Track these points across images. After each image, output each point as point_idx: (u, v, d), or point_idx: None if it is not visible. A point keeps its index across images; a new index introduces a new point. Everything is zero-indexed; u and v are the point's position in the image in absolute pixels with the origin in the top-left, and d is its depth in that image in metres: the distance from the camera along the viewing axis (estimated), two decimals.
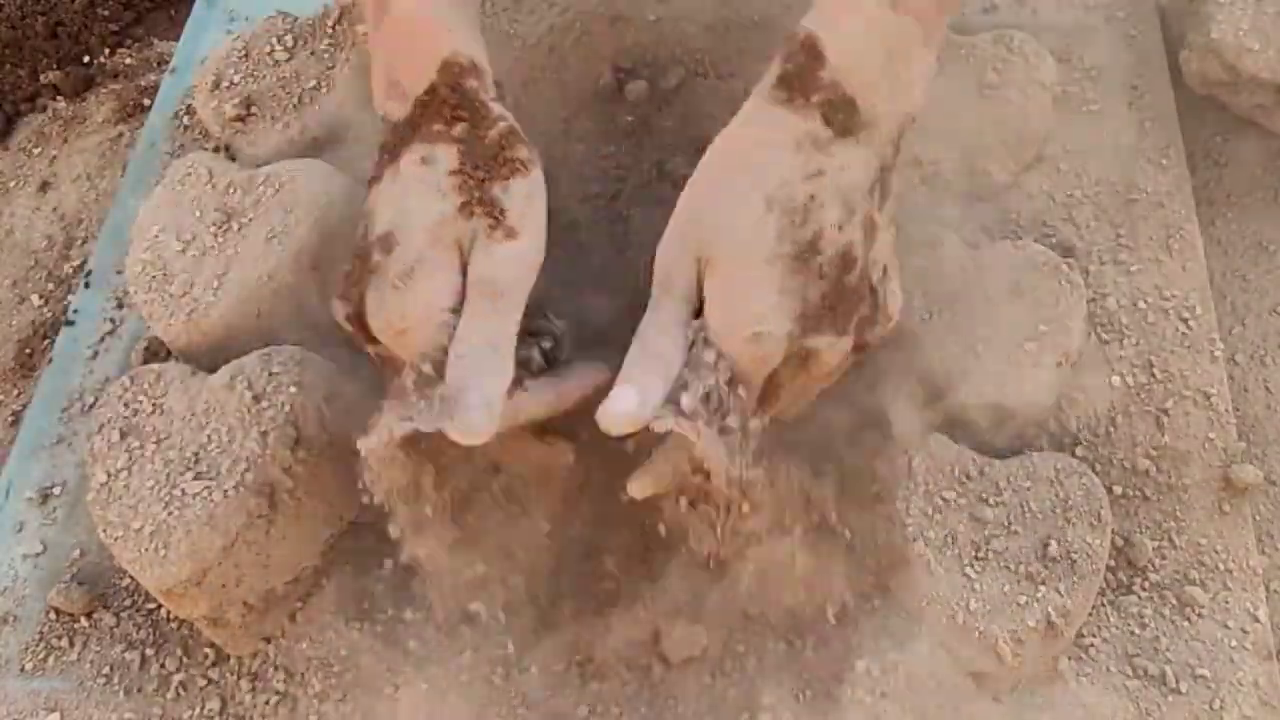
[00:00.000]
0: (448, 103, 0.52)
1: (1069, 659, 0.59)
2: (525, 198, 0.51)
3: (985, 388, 0.63)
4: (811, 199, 0.49)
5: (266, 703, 0.60)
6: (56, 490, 0.69)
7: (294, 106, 0.72)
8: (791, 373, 0.51)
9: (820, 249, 0.49)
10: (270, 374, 0.60)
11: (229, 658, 0.62)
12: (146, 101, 0.95)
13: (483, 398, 0.47)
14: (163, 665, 0.62)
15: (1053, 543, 0.58)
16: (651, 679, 0.59)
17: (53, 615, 0.65)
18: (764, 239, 0.48)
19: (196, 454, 0.59)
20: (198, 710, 0.60)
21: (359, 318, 0.52)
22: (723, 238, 0.49)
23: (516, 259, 0.50)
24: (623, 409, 0.47)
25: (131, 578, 0.64)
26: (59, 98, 0.98)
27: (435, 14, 0.54)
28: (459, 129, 0.51)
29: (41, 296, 0.87)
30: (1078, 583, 0.57)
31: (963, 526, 0.59)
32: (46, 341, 0.84)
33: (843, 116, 0.50)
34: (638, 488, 0.51)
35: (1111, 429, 0.65)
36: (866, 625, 0.60)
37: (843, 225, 0.49)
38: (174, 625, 0.64)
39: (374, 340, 0.52)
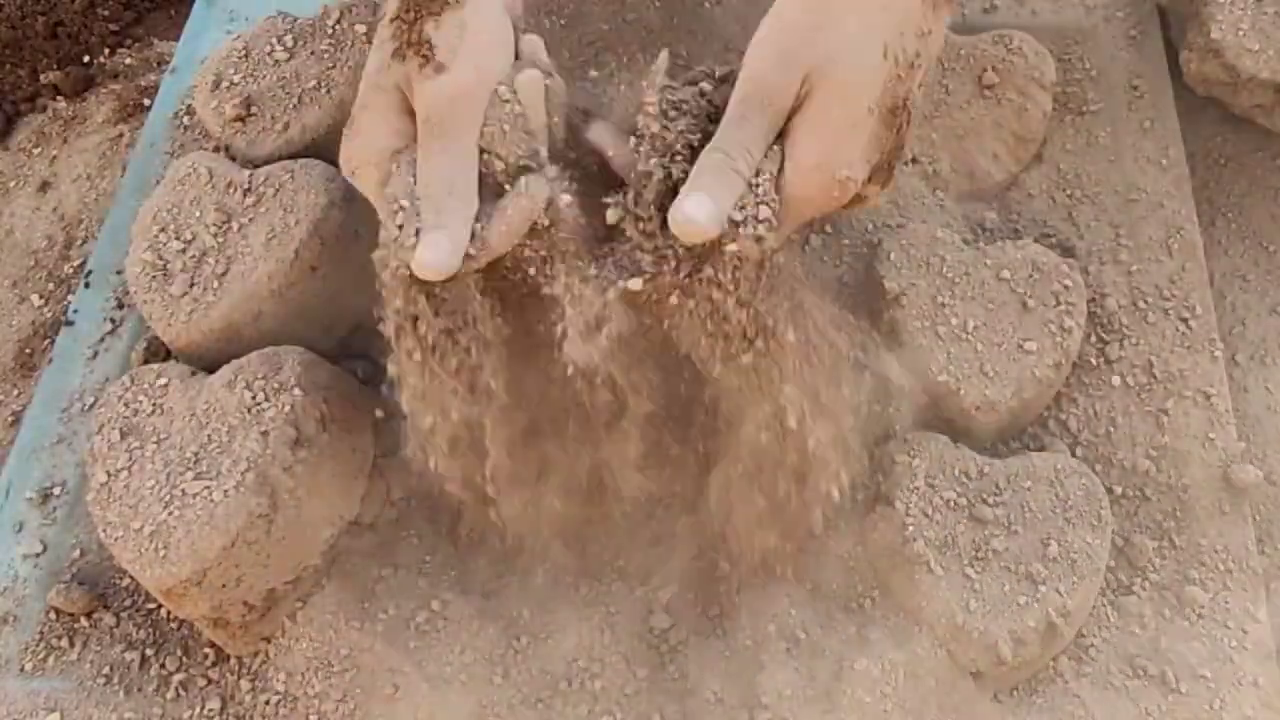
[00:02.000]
0: None
1: (1069, 659, 0.59)
2: (456, 29, 0.51)
3: (985, 388, 0.63)
4: (917, 57, 0.50)
5: (267, 703, 0.60)
6: (56, 490, 0.69)
7: (294, 106, 0.72)
8: (830, 206, 0.51)
9: (905, 107, 0.50)
10: (270, 374, 0.60)
11: (229, 658, 0.62)
12: (146, 101, 0.95)
13: (447, 236, 0.48)
14: (163, 665, 0.62)
15: (1053, 543, 0.58)
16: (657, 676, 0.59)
17: (53, 615, 0.64)
18: (873, 86, 0.49)
19: (196, 454, 0.59)
20: (198, 710, 0.60)
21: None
22: (839, 71, 0.48)
23: (448, 91, 0.50)
24: (700, 218, 0.47)
25: (131, 578, 0.64)
26: (59, 98, 0.98)
27: None
28: None
29: (41, 296, 0.87)
30: (1078, 583, 0.57)
31: (963, 526, 0.59)
32: (46, 341, 0.84)
33: None
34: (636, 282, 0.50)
35: (1111, 429, 0.65)
36: (867, 625, 0.60)
37: (921, 85, 0.51)
38: (174, 625, 0.64)
39: None
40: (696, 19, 0.75)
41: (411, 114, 0.52)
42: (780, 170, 0.49)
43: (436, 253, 0.48)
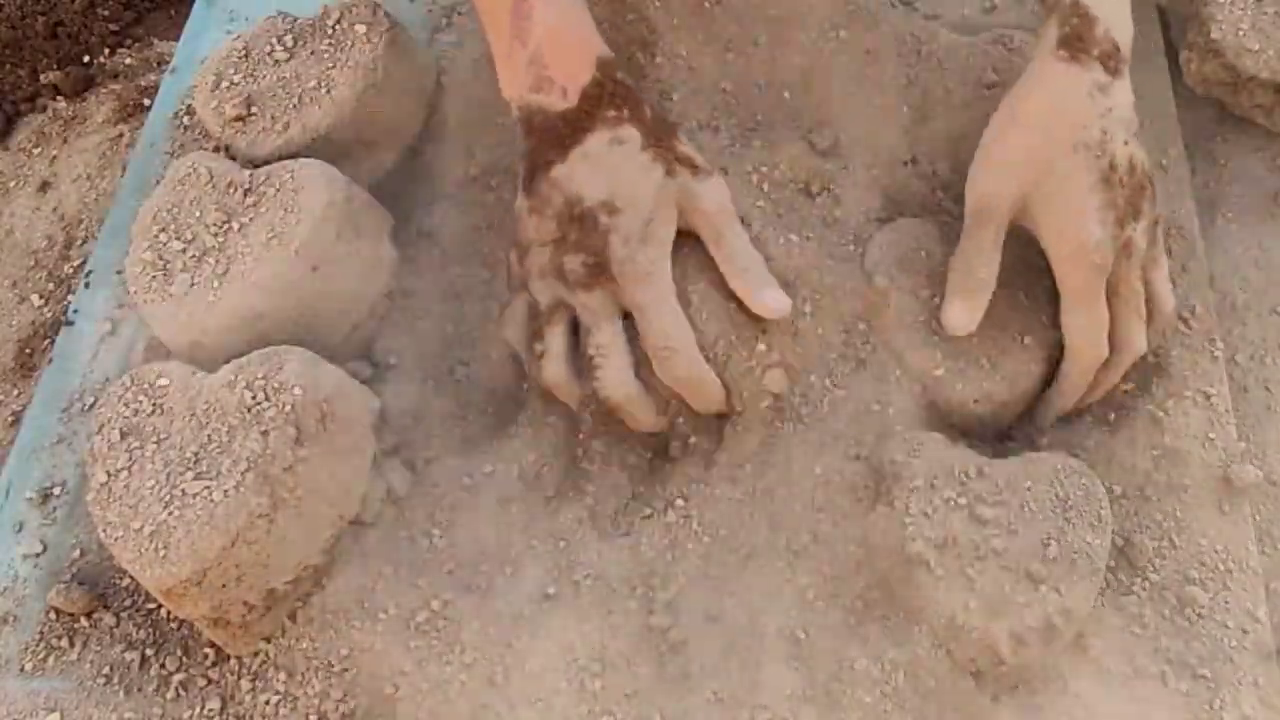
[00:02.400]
0: (616, 94, 0.63)
1: (1069, 659, 0.59)
2: (695, 148, 0.65)
3: (983, 381, 0.63)
4: (1104, 133, 0.61)
5: (267, 703, 0.60)
6: (56, 490, 0.69)
7: (294, 106, 0.72)
8: (1121, 266, 0.62)
9: (1116, 166, 0.61)
10: (270, 374, 0.60)
11: (229, 658, 0.62)
12: (146, 101, 0.95)
13: (779, 289, 0.63)
14: (163, 665, 0.62)
15: (1053, 543, 0.58)
16: (662, 672, 0.59)
17: (53, 615, 0.64)
18: (1079, 170, 0.61)
19: (197, 454, 0.59)
20: (198, 710, 0.60)
21: (598, 267, 0.61)
22: (1046, 177, 0.61)
23: (722, 187, 0.64)
24: (961, 323, 0.63)
25: (131, 578, 0.64)
26: (59, 98, 0.98)
27: (580, 20, 0.65)
28: (627, 112, 0.63)
29: (41, 296, 0.87)
30: (1078, 583, 0.57)
31: (963, 526, 0.59)
32: (46, 341, 0.84)
33: (1114, 62, 0.62)
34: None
35: (1111, 429, 0.65)
36: (866, 625, 0.60)
37: (1126, 142, 0.62)
38: (174, 625, 0.64)
39: (588, 286, 0.62)
40: (697, 18, 0.75)
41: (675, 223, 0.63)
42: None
43: (779, 302, 0.63)
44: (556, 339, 0.63)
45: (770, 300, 0.62)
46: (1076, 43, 0.62)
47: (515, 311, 0.66)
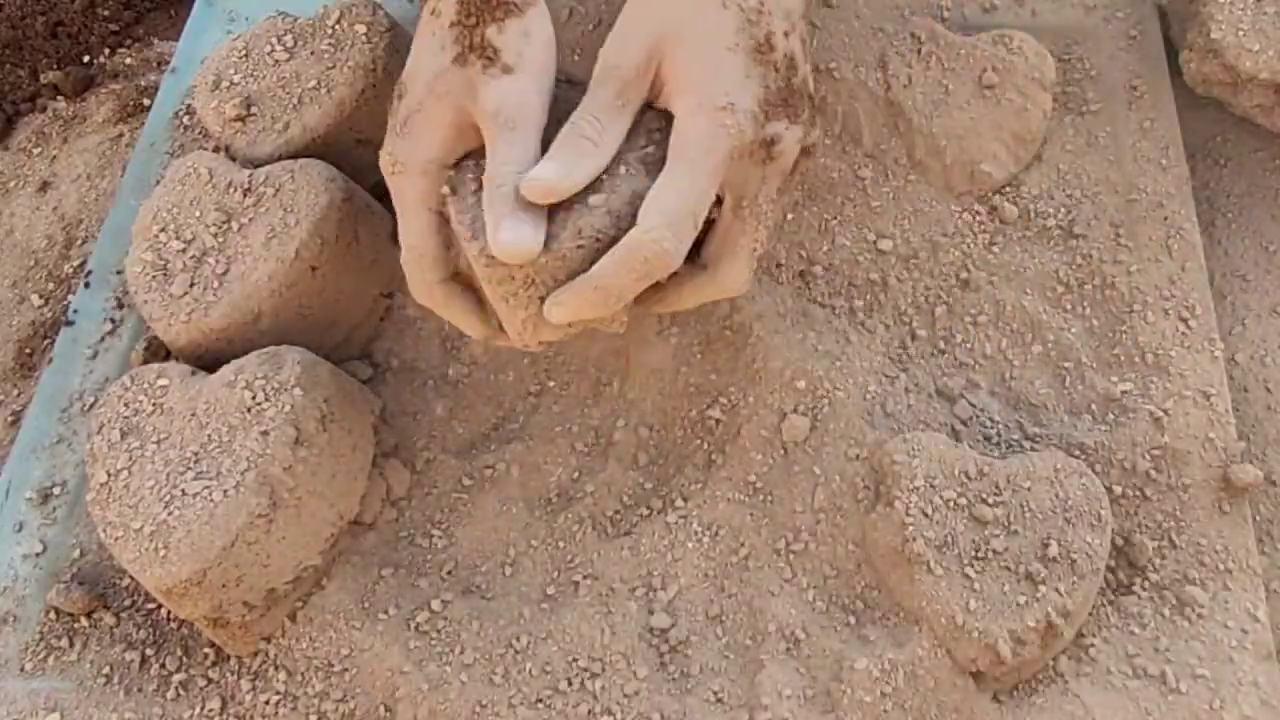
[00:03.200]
0: None
1: (1069, 659, 0.59)
2: (520, 36, 0.54)
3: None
4: (761, 4, 0.54)
5: (267, 703, 0.60)
6: (56, 490, 0.69)
7: (294, 106, 0.72)
8: (758, 169, 0.54)
9: (773, 46, 0.54)
10: (270, 374, 0.60)
11: (229, 658, 0.62)
12: (146, 101, 0.94)
13: (529, 221, 0.51)
14: (163, 665, 0.62)
15: (1053, 543, 0.58)
16: (664, 673, 0.59)
17: (53, 615, 0.64)
18: (725, 29, 0.53)
19: (197, 454, 0.59)
20: (198, 710, 0.60)
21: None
22: (684, 29, 0.53)
23: (516, 91, 0.53)
24: (542, 184, 0.51)
25: (131, 578, 0.64)
26: (59, 98, 0.98)
27: None
28: None
29: (41, 296, 0.87)
30: (1078, 583, 0.57)
31: (963, 526, 0.59)
32: (46, 341, 0.84)
33: None
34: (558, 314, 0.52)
35: (1111, 429, 0.65)
36: (866, 625, 0.60)
37: (787, 34, 0.54)
38: (174, 625, 0.64)
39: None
40: None
41: (464, 129, 0.54)
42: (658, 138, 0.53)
43: (519, 235, 0.50)
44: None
45: (504, 238, 0.50)
46: None
47: None
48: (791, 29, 0.55)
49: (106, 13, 1.01)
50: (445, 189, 0.55)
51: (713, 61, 0.53)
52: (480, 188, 0.53)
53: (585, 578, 0.62)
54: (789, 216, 0.62)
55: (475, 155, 0.55)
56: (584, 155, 0.52)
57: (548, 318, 0.52)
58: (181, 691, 0.61)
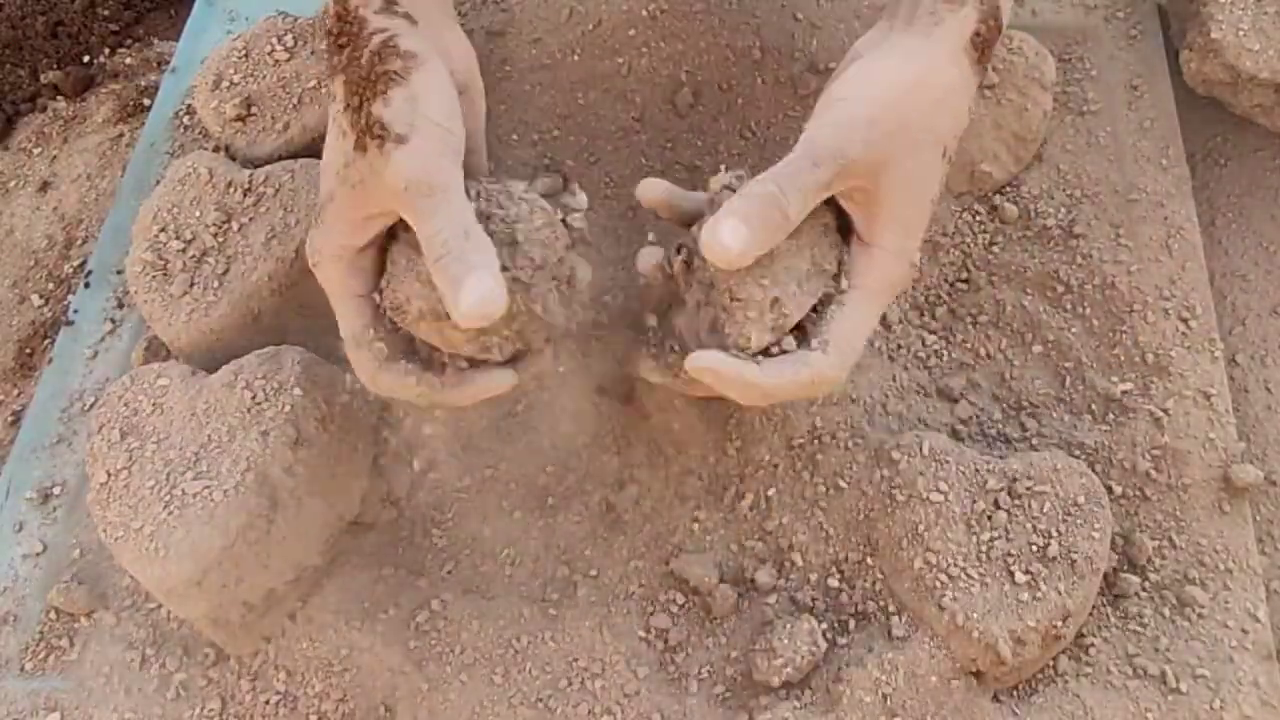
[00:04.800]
0: (332, 32, 0.53)
1: (1069, 659, 0.59)
2: (407, 102, 0.51)
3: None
4: (948, 150, 0.54)
5: (267, 703, 0.60)
6: (56, 490, 0.69)
7: (294, 106, 0.72)
8: None
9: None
10: (270, 374, 0.60)
11: (229, 657, 0.62)
12: (146, 101, 0.95)
13: (488, 274, 0.48)
14: (163, 665, 0.62)
15: (1053, 543, 0.58)
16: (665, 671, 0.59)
17: (53, 615, 0.65)
18: (934, 184, 0.53)
19: (197, 454, 0.59)
20: (198, 710, 0.60)
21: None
22: (903, 170, 0.52)
23: (417, 159, 0.50)
24: (733, 244, 0.49)
25: (131, 578, 0.64)
26: (59, 98, 0.98)
27: None
28: (343, 58, 0.53)
29: (41, 296, 0.87)
30: (1078, 583, 0.57)
31: (963, 526, 0.59)
32: (47, 341, 0.84)
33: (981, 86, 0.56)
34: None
35: (1112, 429, 0.65)
36: (867, 625, 0.60)
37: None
38: (174, 625, 0.64)
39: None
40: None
41: (376, 216, 0.52)
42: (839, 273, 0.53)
43: (481, 291, 0.48)
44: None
45: (464, 296, 0.48)
46: (985, 47, 0.56)
47: None
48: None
49: (106, 13, 1.01)
50: (383, 282, 0.54)
51: (919, 210, 0.53)
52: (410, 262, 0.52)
53: (585, 577, 0.62)
54: None
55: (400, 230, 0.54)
56: (775, 230, 0.50)
57: (690, 366, 0.51)
58: (181, 691, 0.61)
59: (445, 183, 0.50)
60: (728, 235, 0.48)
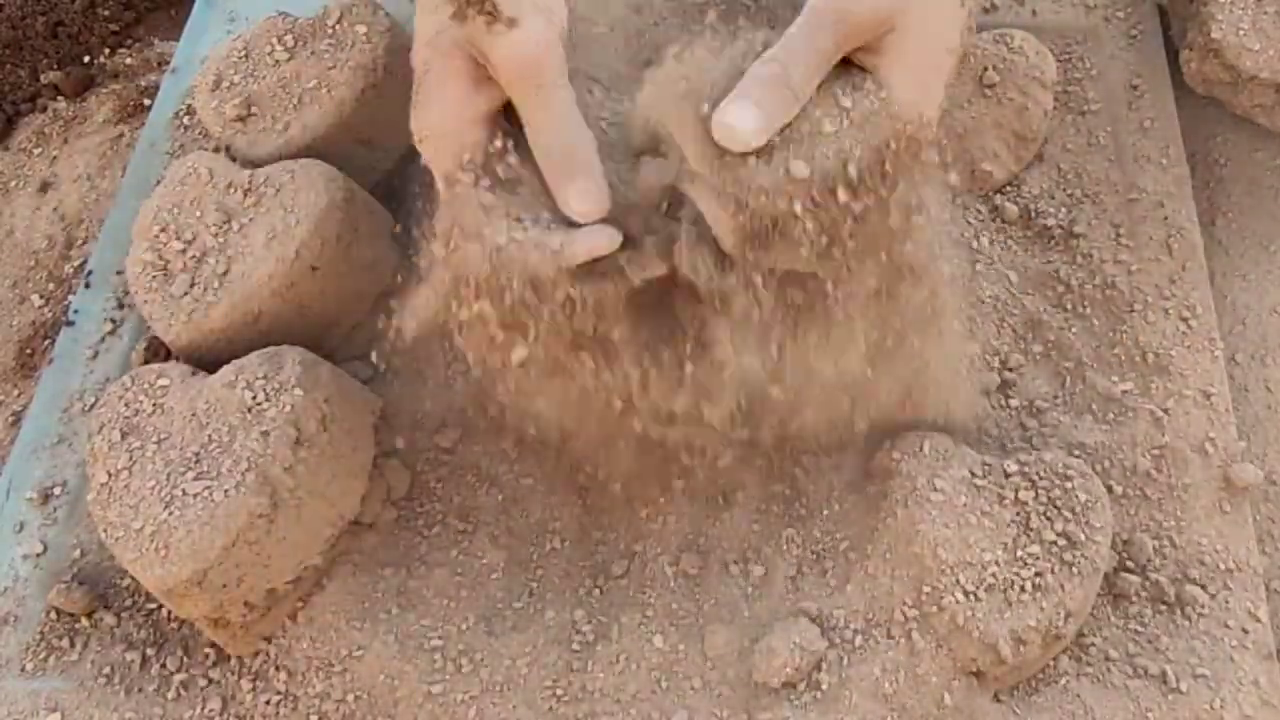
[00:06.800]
0: None
1: (1069, 659, 0.59)
2: None
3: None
4: (971, 12, 0.50)
5: (267, 703, 0.60)
6: (57, 490, 0.69)
7: (294, 106, 0.72)
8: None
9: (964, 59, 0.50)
10: (270, 374, 0.60)
11: (230, 658, 0.62)
12: (146, 101, 0.95)
13: (594, 184, 0.48)
14: (163, 665, 0.62)
15: (1053, 543, 0.58)
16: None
17: (53, 615, 0.65)
18: (954, 30, 0.49)
19: (197, 454, 0.59)
20: (199, 710, 0.60)
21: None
22: (923, 12, 0.49)
23: (526, 42, 0.49)
24: (743, 125, 0.46)
25: (132, 578, 0.64)
26: (59, 98, 0.98)
27: None
28: None
29: (42, 296, 0.87)
30: (1078, 583, 0.57)
31: (963, 526, 0.59)
32: (47, 341, 0.84)
33: None
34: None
35: (1112, 429, 0.65)
36: (867, 625, 0.60)
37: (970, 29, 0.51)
38: (175, 625, 0.64)
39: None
40: None
41: (478, 78, 0.51)
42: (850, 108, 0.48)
43: (588, 200, 0.48)
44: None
45: (574, 198, 0.48)
46: None
47: None
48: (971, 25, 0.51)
49: (106, 13, 1.01)
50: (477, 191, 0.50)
51: (935, 64, 0.50)
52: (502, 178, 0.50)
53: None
54: None
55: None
56: (785, 106, 0.47)
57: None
58: (182, 691, 0.61)
59: (553, 73, 0.49)
60: (737, 118, 0.46)
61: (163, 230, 0.67)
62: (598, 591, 0.62)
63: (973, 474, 0.61)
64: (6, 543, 0.67)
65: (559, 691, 0.59)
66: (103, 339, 0.74)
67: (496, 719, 0.58)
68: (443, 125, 0.50)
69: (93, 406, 0.71)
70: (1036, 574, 0.58)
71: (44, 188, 0.93)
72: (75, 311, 0.75)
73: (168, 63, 0.88)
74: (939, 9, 0.50)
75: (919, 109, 0.49)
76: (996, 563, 0.58)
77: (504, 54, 0.49)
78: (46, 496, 0.69)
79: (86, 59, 1.00)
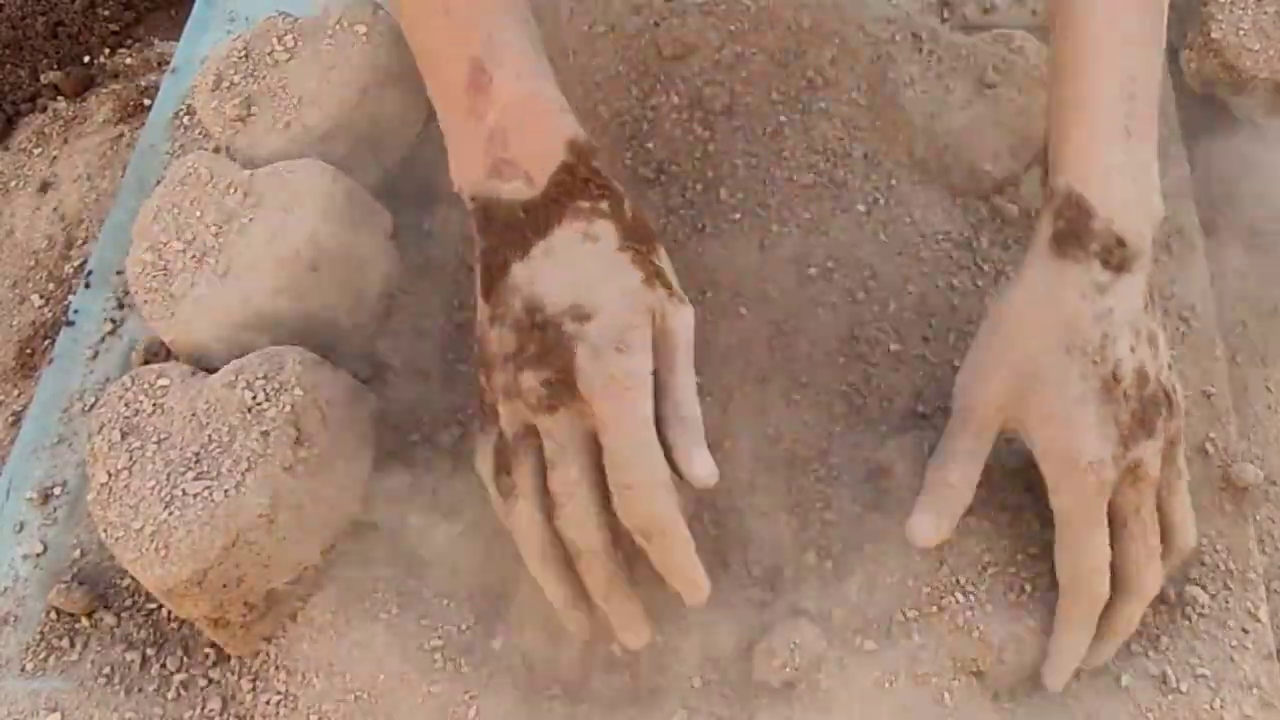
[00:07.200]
0: (591, 182, 0.54)
1: None
2: (669, 265, 0.56)
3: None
4: (1105, 336, 0.54)
5: (268, 703, 0.60)
6: (57, 490, 0.69)
7: (294, 106, 0.72)
8: (1127, 490, 0.55)
9: (1120, 377, 0.54)
10: (271, 374, 0.60)
11: (230, 658, 0.62)
12: (146, 101, 0.95)
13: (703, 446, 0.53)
14: (163, 665, 0.62)
15: (1053, 543, 0.58)
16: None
17: (53, 615, 0.65)
18: (1070, 380, 0.54)
19: (197, 454, 0.59)
20: (199, 710, 0.60)
21: (562, 384, 0.52)
22: (1032, 386, 0.54)
23: (690, 315, 0.55)
24: (924, 534, 0.56)
25: (132, 578, 0.64)
26: (59, 98, 0.98)
27: (549, 96, 0.56)
28: (605, 205, 0.54)
29: (42, 296, 0.87)
30: None
31: (962, 527, 0.59)
32: (47, 341, 0.84)
33: (1117, 257, 0.54)
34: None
35: None
36: (867, 625, 0.60)
37: (1134, 348, 0.54)
38: (175, 625, 0.64)
39: (551, 408, 0.53)
40: None
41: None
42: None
43: (709, 468, 0.53)
44: (525, 476, 0.54)
45: (699, 466, 0.52)
46: (1070, 239, 0.54)
47: (485, 441, 0.56)
48: (1137, 335, 0.55)
49: (106, 13, 1.02)
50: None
51: (1063, 419, 0.54)
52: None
53: None
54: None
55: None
56: (951, 503, 0.56)
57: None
58: (182, 691, 0.61)
59: (692, 349, 0.55)
60: (919, 529, 0.56)
61: (163, 230, 0.67)
62: None
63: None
64: (6, 543, 0.67)
65: (559, 691, 0.59)
66: (103, 339, 0.74)
67: (496, 719, 0.58)
68: (644, 378, 0.52)
69: (93, 406, 0.71)
70: (1036, 574, 0.58)
71: (44, 188, 0.93)
72: (75, 311, 0.75)
73: (168, 63, 0.89)
74: (1050, 372, 0.54)
75: (1082, 459, 0.53)
76: (996, 563, 0.58)
77: (684, 321, 0.54)
78: (46, 496, 0.69)
79: (86, 59, 1.01)
